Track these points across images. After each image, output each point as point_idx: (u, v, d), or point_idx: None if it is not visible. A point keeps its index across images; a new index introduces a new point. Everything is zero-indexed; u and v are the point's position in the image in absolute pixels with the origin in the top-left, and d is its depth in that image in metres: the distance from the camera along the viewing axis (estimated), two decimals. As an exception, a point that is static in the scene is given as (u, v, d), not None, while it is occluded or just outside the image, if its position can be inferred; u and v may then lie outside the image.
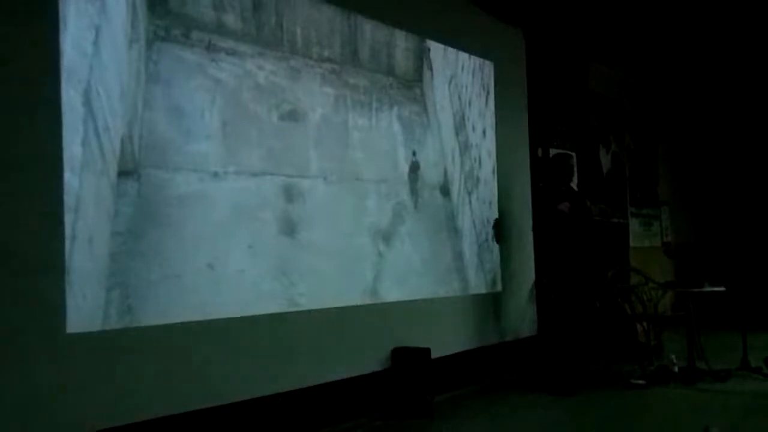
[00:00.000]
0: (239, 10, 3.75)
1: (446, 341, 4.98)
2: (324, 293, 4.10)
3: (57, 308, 2.85)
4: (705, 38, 7.55)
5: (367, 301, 4.42)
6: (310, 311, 3.98)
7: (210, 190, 3.52)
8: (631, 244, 8.06)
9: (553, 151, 6.40)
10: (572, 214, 5.10)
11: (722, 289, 5.44)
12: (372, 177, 4.54)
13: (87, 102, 3.00)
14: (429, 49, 5.14)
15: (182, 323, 3.32)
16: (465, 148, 5.43)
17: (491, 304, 5.57)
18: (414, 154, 4.91)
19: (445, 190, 5.19)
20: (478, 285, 5.43)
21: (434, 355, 4.53)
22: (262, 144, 3.82)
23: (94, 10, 3.06)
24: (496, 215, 5.65)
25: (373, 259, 4.50)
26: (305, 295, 3.97)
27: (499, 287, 5.65)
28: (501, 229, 5.55)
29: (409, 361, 4.39)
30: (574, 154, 6.96)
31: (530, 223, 5.91)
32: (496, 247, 5.62)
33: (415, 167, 4.91)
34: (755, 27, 7.25)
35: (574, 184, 5.41)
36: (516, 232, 5.39)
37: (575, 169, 5.42)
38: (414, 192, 4.88)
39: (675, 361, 5.28)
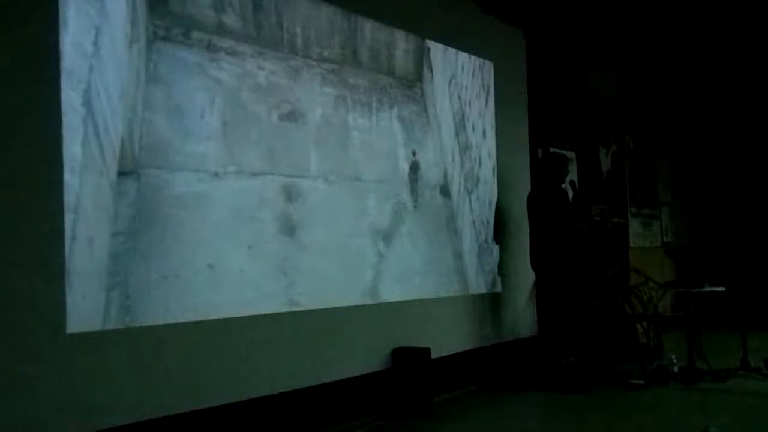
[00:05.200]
0: (239, 10, 3.75)
1: (446, 341, 4.98)
2: (324, 293, 4.10)
3: (57, 308, 2.85)
4: (705, 38, 7.56)
5: (367, 301, 4.42)
6: (310, 311, 3.98)
7: (210, 190, 3.52)
8: (631, 244, 8.06)
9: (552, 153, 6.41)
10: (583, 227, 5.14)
11: (722, 289, 5.43)
12: (372, 177, 4.54)
13: (87, 102, 3.00)
14: (429, 49, 5.14)
15: (182, 323, 3.32)
16: (465, 148, 5.43)
17: (491, 304, 5.57)
18: (414, 154, 4.91)
19: (445, 191, 5.19)
20: (478, 285, 5.43)
21: (434, 355, 4.53)
22: (262, 144, 3.82)
23: (94, 10, 3.06)
24: (495, 215, 5.65)
25: (373, 259, 4.50)
26: (305, 294, 3.97)
27: (499, 287, 5.65)
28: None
29: (409, 361, 4.39)
30: (573, 154, 6.98)
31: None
32: (495, 247, 5.63)
33: (415, 167, 4.91)
34: (755, 27, 7.25)
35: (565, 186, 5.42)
36: (516, 232, 5.39)
37: (568, 169, 5.42)
38: (414, 192, 4.88)
39: (675, 361, 5.28)
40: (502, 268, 5.67)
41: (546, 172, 5.43)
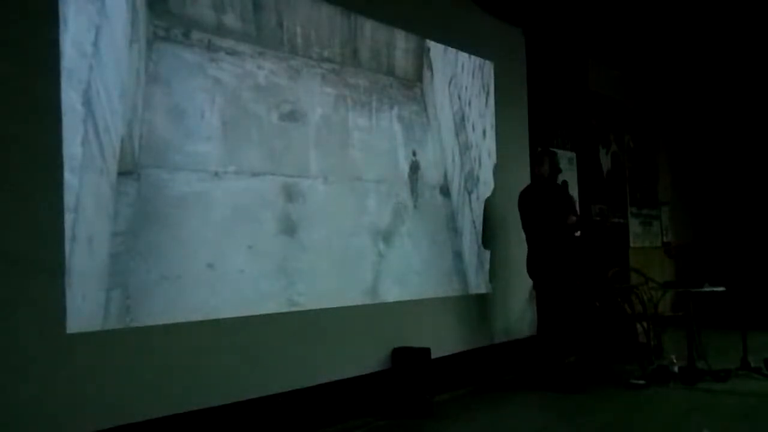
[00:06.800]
0: (239, 10, 3.75)
1: (446, 341, 4.98)
2: (324, 293, 4.10)
3: (57, 308, 2.85)
4: (705, 37, 7.56)
5: (367, 301, 4.42)
6: (309, 311, 3.98)
7: (210, 190, 3.52)
8: (631, 244, 8.06)
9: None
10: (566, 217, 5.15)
11: (722, 289, 5.43)
12: (372, 177, 4.54)
13: (87, 102, 3.00)
14: (429, 49, 5.14)
15: (182, 323, 3.32)
16: (465, 148, 5.43)
17: (491, 304, 5.57)
18: (414, 154, 4.91)
19: (445, 191, 5.19)
20: (477, 285, 5.43)
21: (434, 355, 4.53)
22: (262, 144, 3.82)
23: (94, 10, 3.06)
24: (495, 214, 5.65)
25: (373, 259, 4.50)
26: (305, 295, 3.97)
27: (498, 287, 5.65)
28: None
29: (409, 361, 4.39)
30: (573, 153, 6.98)
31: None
32: (495, 247, 5.63)
33: (415, 167, 4.91)
34: (755, 26, 7.25)
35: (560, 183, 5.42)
36: (516, 232, 5.38)
37: (560, 167, 5.43)
38: (414, 192, 4.88)
39: (675, 361, 5.28)
40: (502, 268, 5.67)
41: (535, 168, 5.44)
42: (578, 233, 5.20)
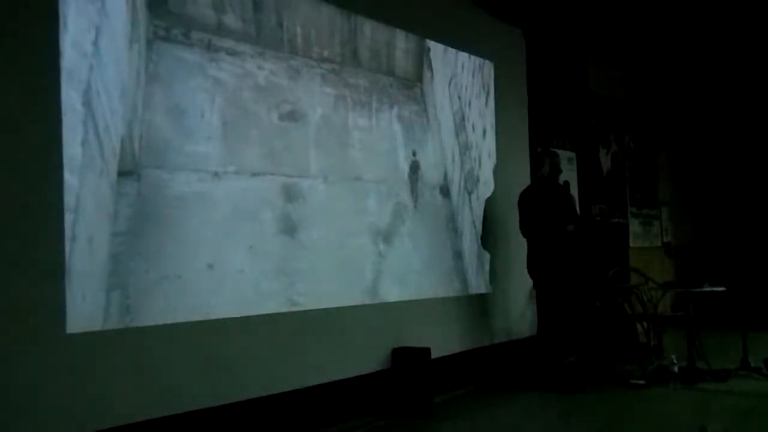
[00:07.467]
0: (239, 10, 3.75)
1: (446, 341, 4.98)
2: (324, 293, 4.10)
3: (57, 308, 2.85)
4: (705, 37, 7.56)
5: (367, 301, 4.42)
6: (310, 311, 3.98)
7: (210, 190, 3.52)
8: (631, 244, 8.06)
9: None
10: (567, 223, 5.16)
11: (722, 289, 5.43)
12: (372, 177, 4.54)
13: (87, 102, 3.00)
14: (429, 49, 5.14)
15: (182, 323, 3.32)
16: (465, 148, 5.43)
17: (491, 304, 5.57)
18: (414, 154, 4.91)
19: (445, 191, 5.19)
20: (478, 285, 5.43)
21: (434, 355, 4.53)
22: (262, 144, 3.82)
23: (94, 10, 3.06)
24: (495, 214, 5.65)
25: (373, 259, 4.50)
26: (305, 294, 3.97)
27: (498, 287, 5.65)
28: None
29: (409, 361, 4.39)
30: (573, 153, 6.98)
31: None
32: (495, 247, 5.63)
33: (415, 167, 4.91)
34: (755, 26, 7.25)
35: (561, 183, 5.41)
36: (516, 232, 5.38)
37: (560, 167, 5.43)
38: (414, 192, 4.88)
39: (675, 361, 5.28)
40: (502, 268, 5.67)
41: (536, 169, 5.44)
42: (571, 227, 5.18)
